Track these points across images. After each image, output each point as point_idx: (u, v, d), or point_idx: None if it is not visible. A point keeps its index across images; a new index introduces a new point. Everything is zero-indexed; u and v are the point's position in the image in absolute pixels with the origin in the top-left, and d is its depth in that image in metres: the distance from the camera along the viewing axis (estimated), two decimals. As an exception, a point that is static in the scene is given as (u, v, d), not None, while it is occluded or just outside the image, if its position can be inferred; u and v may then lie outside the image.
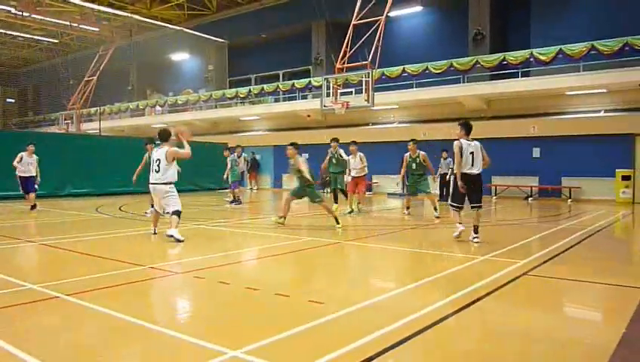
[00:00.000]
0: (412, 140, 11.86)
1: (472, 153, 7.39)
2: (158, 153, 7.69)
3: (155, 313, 3.96)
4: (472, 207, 7.54)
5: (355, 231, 8.90)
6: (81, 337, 3.42)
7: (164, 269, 5.49)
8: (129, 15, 27.92)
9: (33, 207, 12.44)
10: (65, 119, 31.63)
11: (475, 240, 7.39)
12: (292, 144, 9.55)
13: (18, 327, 3.55)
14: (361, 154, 12.55)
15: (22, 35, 31.99)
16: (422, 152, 11.58)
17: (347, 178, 12.42)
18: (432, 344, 3.32)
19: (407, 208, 12.23)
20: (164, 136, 7.74)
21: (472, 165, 7.39)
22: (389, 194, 20.78)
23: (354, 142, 12.82)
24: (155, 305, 4.26)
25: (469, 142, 7.43)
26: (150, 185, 7.75)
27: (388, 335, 3.33)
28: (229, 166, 14.95)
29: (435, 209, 11.28)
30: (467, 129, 7.51)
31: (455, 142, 7.46)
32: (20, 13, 25.67)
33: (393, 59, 20.89)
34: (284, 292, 4.53)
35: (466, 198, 7.57)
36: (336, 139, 12.57)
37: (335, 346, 3.08)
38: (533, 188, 18.70)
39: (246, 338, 3.23)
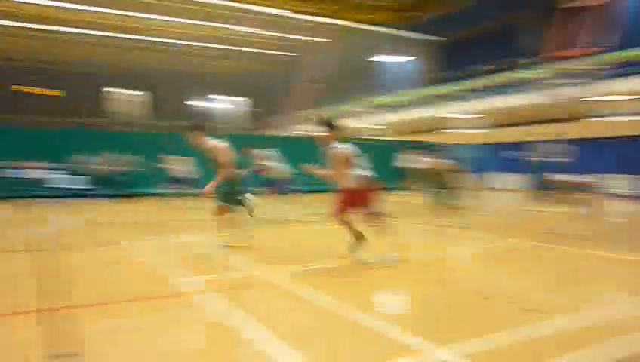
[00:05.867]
0: None
1: None
2: None
3: (365, 302, 4.29)
4: None
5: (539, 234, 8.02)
6: (302, 320, 3.90)
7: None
8: (344, 22, 29.39)
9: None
10: (288, 122, 35.14)
11: None
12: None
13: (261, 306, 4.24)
14: None
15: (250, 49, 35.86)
16: None
17: None
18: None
19: None
20: None
21: None
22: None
23: None
24: (366, 295, 4.60)
25: None
26: None
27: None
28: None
29: None
30: None
31: None
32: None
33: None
34: (487, 294, 4.45)
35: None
36: None
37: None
38: None
39: (453, 338, 3.28)
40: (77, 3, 25.36)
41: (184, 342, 3.39)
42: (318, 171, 5.84)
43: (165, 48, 33.12)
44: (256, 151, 13.14)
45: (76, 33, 29.62)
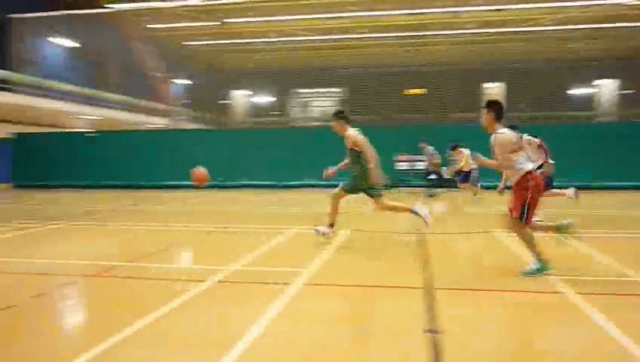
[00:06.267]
0: None
1: None
2: None
3: None
4: None
5: None
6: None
7: None
8: None
9: None
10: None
11: None
12: None
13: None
14: None
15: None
16: None
17: None
18: None
19: None
20: None
21: None
22: None
23: None
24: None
25: None
26: None
27: None
28: None
29: None
30: None
31: None
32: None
33: None
34: None
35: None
36: None
37: None
38: None
39: None
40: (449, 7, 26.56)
41: (541, 339, 3.53)
42: (485, 160, 5.32)
43: (523, 37, 32.00)
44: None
45: (446, 35, 31.34)
